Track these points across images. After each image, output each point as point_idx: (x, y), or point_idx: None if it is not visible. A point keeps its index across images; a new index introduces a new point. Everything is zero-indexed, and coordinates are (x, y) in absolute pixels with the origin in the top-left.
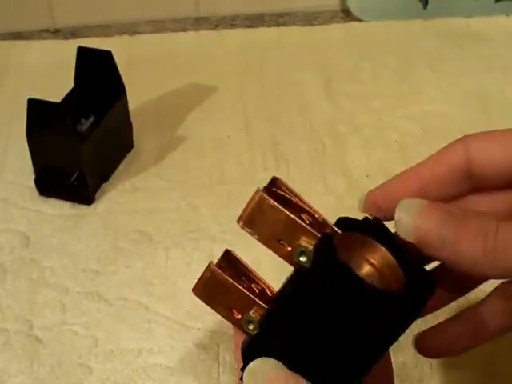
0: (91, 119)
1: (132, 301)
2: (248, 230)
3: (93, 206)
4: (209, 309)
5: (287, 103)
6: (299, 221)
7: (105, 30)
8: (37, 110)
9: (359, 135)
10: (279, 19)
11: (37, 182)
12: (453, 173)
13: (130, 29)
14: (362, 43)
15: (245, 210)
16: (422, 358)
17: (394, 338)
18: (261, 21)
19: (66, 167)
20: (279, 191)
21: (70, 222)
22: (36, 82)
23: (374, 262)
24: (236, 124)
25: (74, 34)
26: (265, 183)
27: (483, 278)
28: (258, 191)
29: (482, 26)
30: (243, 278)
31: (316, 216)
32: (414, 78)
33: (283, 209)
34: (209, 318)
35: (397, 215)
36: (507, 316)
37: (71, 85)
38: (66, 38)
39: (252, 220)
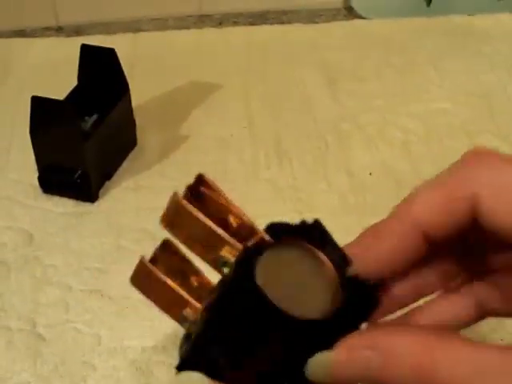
0: (94, 117)
1: (135, 299)
2: (170, 231)
3: (96, 203)
4: None
5: (290, 101)
6: (219, 231)
7: (108, 27)
8: (40, 107)
9: (362, 133)
10: (282, 17)
11: (40, 179)
12: (404, 243)
13: (134, 26)
14: (365, 41)
15: (165, 211)
16: None
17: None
18: (264, 18)
19: (70, 165)
20: (206, 191)
21: (74, 220)
22: (39, 80)
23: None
24: (239, 122)
25: (77, 31)
26: (267, 182)
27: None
28: (174, 194)
29: (485, 24)
30: (181, 270)
31: (244, 219)
32: (417, 75)
33: (202, 217)
34: None
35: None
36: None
37: (74, 82)
38: (70, 36)
39: (172, 223)
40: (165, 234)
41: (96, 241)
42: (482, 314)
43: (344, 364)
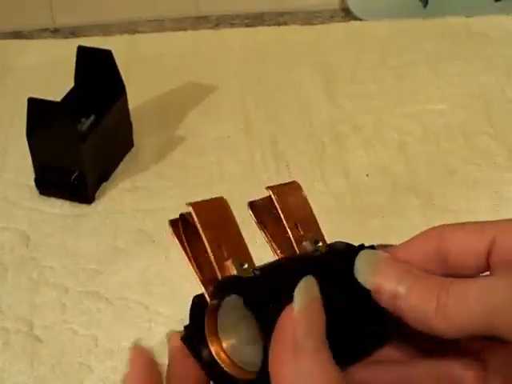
0: (91, 118)
1: (132, 300)
2: None
3: (93, 205)
4: None
5: (287, 102)
6: (195, 273)
7: (105, 29)
8: (37, 109)
9: (359, 134)
10: (279, 18)
11: (37, 181)
12: (427, 260)
13: (130, 28)
14: (362, 42)
15: None
16: None
17: None
18: (261, 20)
19: (66, 166)
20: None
21: (70, 221)
22: (36, 81)
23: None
24: (236, 123)
25: (74, 33)
26: (264, 183)
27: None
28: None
29: (483, 26)
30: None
31: (213, 265)
32: (414, 77)
33: (183, 253)
34: None
35: (356, 265)
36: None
37: (71, 84)
38: (66, 37)
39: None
40: (158, 237)
41: (93, 242)
42: None
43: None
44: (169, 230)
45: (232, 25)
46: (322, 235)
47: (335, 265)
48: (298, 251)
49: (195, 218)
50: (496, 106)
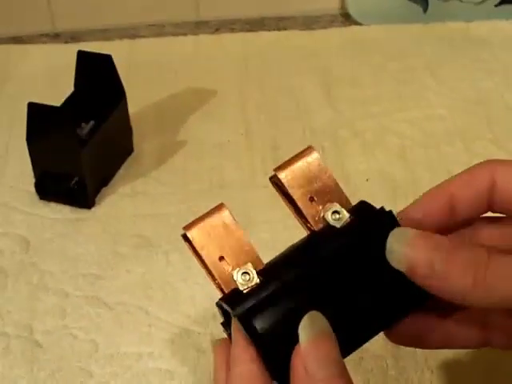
0: (91, 123)
1: (132, 305)
2: None
3: (93, 210)
4: (209, 313)
5: (287, 107)
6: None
7: (105, 33)
8: (37, 114)
9: (359, 139)
10: (279, 23)
11: (37, 186)
12: (478, 196)
13: (130, 33)
14: (361, 47)
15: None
16: (422, 362)
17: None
18: (261, 25)
19: (66, 171)
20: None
21: (70, 227)
22: (36, 86)
23: None
24: (236, 128)
25: (74, 37)
26: (264, 188)
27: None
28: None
29: (482, 31)
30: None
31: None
32: (413, 82)
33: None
34: (209, 322)
35: (388, 244)
36: (477, 332)
37: (71, 89)
38: (66, 42)
39: None
40: (158, 242)
41: (92, 247)
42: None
43: (414, 258)
44: (184, 244)
45: (232, 30)
46: (345, 200)
47: (355, 240)
48: (315, 228)
49: (191, 242)
50: (496, 112)
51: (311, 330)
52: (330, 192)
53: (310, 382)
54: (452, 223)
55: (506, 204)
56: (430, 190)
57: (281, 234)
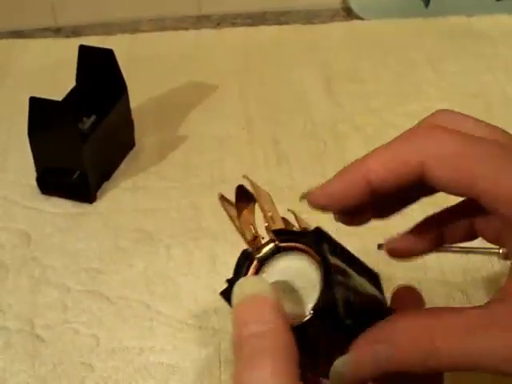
0: (93, 118)
1: (133, 299)
2: None
3: (94, 204)
4: (210, 307)
5: (288, 102)
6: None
7: (106, 28)
8: (38, 108)
9: (360, 133)
10: (280, 18)
11: (38, 180)
12: (400, 178)
13: (132, 27)
14: (363, 42)
15: None
16: None
17: None
18: (262, 19)
19: (68, 166)
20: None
21: (72, 221)
22: (37, 81)
23: None
24: (237, 123)
25: (75, 32)
26: (265, 182)
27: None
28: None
29: (483, 25)
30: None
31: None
32: (414, 76)
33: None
34: (210, 316)
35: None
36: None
37: (73, 83)
38: (68, 37)
39: None
40: (159, 236)
41: (94, 241)
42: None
43: (361, 363)
44: (219, 202)
45: (233, 24)
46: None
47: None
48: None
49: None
50: (496, 105)
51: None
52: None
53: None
54: (369, 198)
55: (441, 187)
56: (342, 173)
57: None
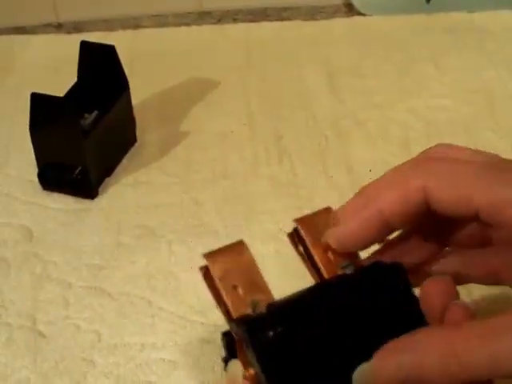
0: (94, 114)
1: (135, 295)
2: None
3: (96, 200)
4: (212, 303)
5: (290, 98)
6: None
7: (108, 24)
8: (40, 104)
9: (362, 130)
10: (282, 13)
11: (40, 176)
12: (412, 211)
13: (133, 23)
14: (365, 38)
15: None
16: None
17: None
18: (264, 15)
19: (70, 162)
20: None
21: (73, 217)
22: (39, 77)
23: None
24: (239, 118)
25: (77, 28)
26: (267, 178)
27: None
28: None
29: (486, 21)
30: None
31: None
32: (417, 72)
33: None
34: (212, 312)
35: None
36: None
37: (74, 79)
38: (69, 33)
39: None
40: (161, 232)
41: (96, 237)
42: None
43: (382, 371)
44: (201, 277)
45: (235, 20)
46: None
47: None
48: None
49: (210, 272)
50: (499, 101)
51: None
52: None
53: None
54: (387, 233)
55: (444, 209)
56: (356, 213)
57: (283, 224)
